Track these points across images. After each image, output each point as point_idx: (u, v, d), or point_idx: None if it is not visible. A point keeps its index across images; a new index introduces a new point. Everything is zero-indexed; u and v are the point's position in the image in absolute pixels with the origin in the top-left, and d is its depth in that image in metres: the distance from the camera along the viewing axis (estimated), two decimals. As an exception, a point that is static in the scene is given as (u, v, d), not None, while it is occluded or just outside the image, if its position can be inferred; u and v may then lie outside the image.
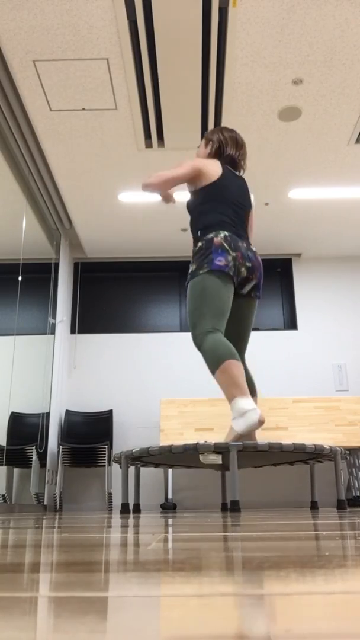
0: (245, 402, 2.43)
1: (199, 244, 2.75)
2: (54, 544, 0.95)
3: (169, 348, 5.49)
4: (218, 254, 2.67)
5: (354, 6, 2.86)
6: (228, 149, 2.96)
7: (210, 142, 2.99)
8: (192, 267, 2.76)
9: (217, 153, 2.96)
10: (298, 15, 2.90)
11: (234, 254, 2.69)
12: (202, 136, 3.79)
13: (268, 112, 3.63)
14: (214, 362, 2.53)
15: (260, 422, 2.41)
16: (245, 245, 2.76)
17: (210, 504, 4.91)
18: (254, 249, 2.83)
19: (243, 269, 2.72)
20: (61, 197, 4.72)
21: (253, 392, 2.78)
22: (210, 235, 2.72)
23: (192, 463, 2.59)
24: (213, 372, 2.54)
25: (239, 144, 2.99)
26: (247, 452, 2.49)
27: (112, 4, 2.82)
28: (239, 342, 2.88)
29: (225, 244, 2.69)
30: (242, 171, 3.04)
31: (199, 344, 2.62)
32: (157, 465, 3.29)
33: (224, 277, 2.67)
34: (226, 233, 2.72)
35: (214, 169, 2.86)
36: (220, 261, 2.66)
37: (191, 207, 2.93)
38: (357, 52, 3.15)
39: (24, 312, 5.02)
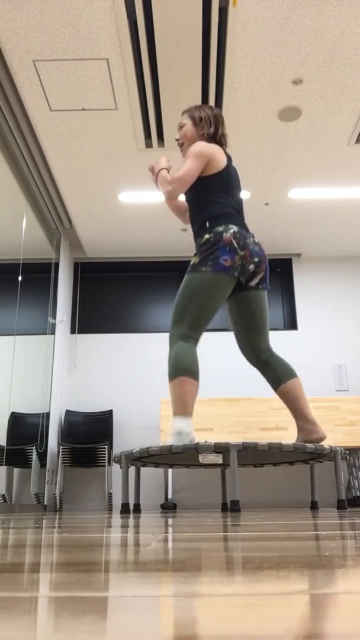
0: (184, 423, 2.44)
1: (206, 236, 2.60)
2: (54, 544, 0.95)
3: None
4: (225, 253, 2.54)
5: (354, 6, 2.86)
6: (222, 128, 2.81)
7: (200, 121, 2.80)
8: (194, 260, 2.60)
9: (208, 134, 2.79)
10: (298, 15, 2.90)
11: (242, 253, 2.56)
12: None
13: (268, 112, 3.63)
14: (172, 372, 2.52)
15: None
16: (252, 239, 2.64)
17: (210, 504, 4.91)
18: (257, 240, 2.71)
19: (251, 266, 2.61)
20: (61, 197, 4.72)
21: (292, 375, 2.70)
22: (220, 229, 2.58)
23: (193, 462, 2.60)
24: (169, 380, 2.54)
25: (223, 121, 2.85)
26: (247, 452, 2.50)
27: (112, 4, 2.82)
28: (258, 336, 2.75)
29: (234, 242, 2.55)
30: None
31: (170, 344, 2.59)
32: (157, 465, 3.29)
33: (226, 279, 2.55)
34: (235, 229, 2.58)
35: (220, 157, 2.69)
36: (226, 261, 2.53)
37: (192, 196, 2.73)
38: (357, 52, 3.15)
39: (24, 312, 5.02)
